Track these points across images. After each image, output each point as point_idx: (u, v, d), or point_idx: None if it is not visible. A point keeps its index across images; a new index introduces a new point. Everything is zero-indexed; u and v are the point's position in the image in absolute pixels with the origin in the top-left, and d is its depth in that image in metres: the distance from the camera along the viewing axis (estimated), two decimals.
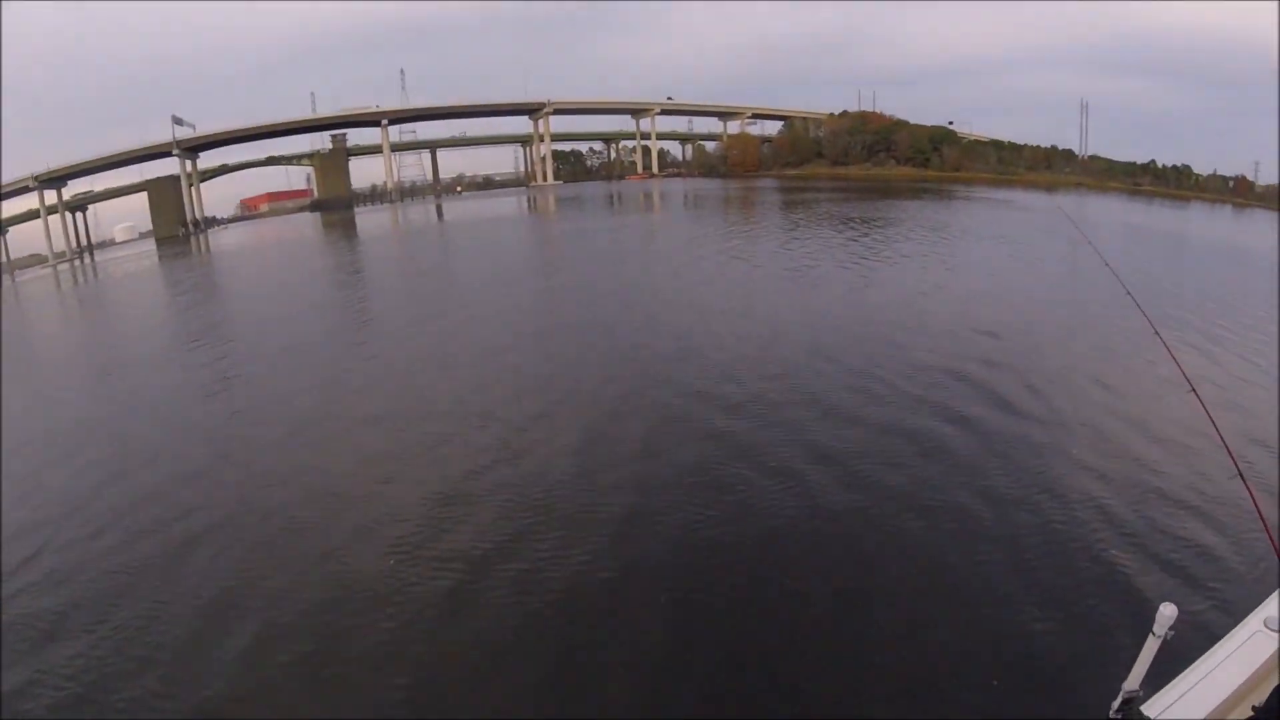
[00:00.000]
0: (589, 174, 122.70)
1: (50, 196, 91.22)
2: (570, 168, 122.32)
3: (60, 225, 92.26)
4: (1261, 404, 13.61)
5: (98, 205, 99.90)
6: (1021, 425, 12.55)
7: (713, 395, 14.07)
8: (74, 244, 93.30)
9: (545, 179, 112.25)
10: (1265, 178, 74.14)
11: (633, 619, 7.78)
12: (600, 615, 7.88)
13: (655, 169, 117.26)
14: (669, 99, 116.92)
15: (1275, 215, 56.56)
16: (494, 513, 10.13)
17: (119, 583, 9.11)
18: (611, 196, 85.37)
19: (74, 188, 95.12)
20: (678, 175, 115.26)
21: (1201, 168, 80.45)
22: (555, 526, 9.60)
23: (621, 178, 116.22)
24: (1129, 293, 7.67)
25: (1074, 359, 16.61)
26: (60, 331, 36.72)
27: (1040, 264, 29.72)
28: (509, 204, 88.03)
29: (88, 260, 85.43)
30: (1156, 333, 6.94)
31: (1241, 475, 4.53)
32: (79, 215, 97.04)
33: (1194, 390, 5.54)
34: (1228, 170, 78.45)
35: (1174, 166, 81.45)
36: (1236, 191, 74.07)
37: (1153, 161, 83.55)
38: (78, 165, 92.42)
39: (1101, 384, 14.81)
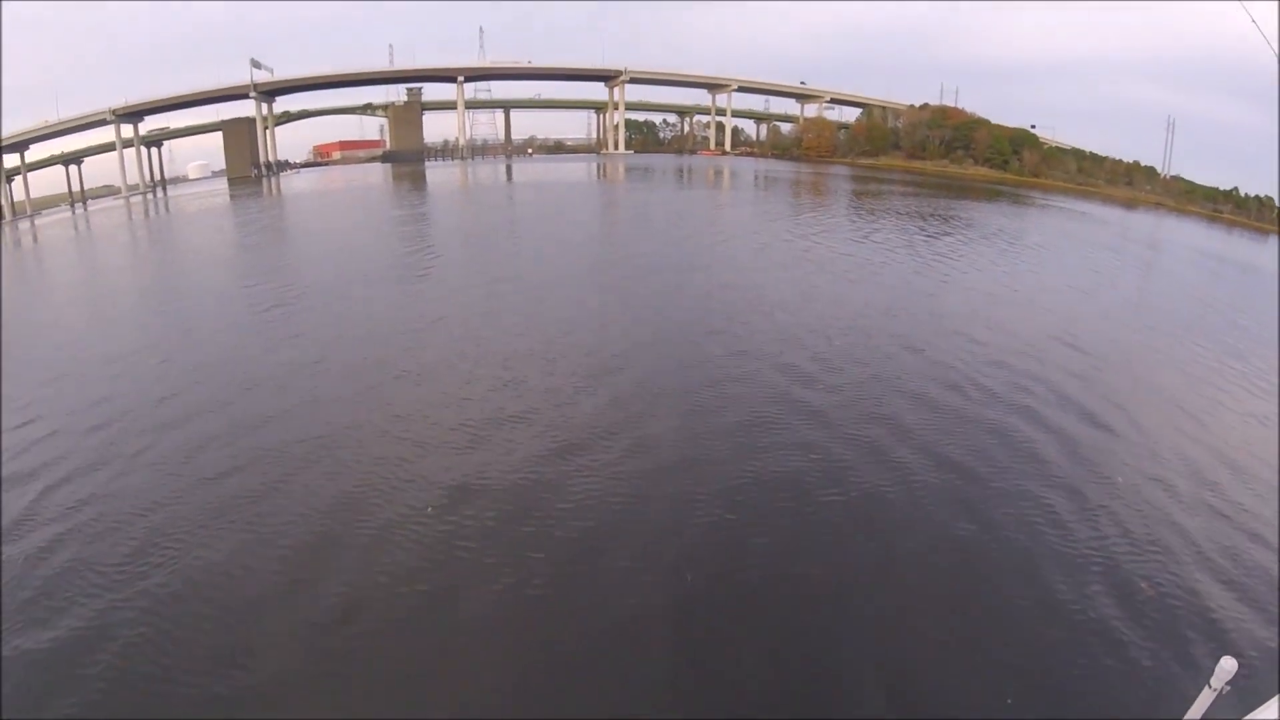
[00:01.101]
0: (660, 145, 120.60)
1: (127, 130, 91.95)
2: (642, 137, 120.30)
3: (135, 159, 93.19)
4: None
5: (173, 142, 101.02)
6: (1105, 440, 12.02)
7: (773, 384, 13.42)
8: (148, 178, 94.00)
9: (616, 147, 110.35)
10: None
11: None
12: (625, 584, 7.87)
13: (728, 146, 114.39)
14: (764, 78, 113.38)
15: None
16: (525, 471, 10.16)
17: (155, 516, 9.12)
18: (681, 169, 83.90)
19: (150, 124, 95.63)
20: (750, 154, 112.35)
21: None
22: (581, 493, 9.60)
23: (693, 152, 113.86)
24: None
25: (1173, 379, 16.08)
26: (124, 261, 36.34)
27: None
28: (579, 169, 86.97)
29: (160, 194, 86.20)
30: None
31: None
32: (154, 150, 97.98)
33: None
34: None
35: (1256, 197, 75.59)
36: None
37: (1235, 189, 78.03)
38: (156, 101, 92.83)
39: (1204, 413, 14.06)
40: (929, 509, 9.41)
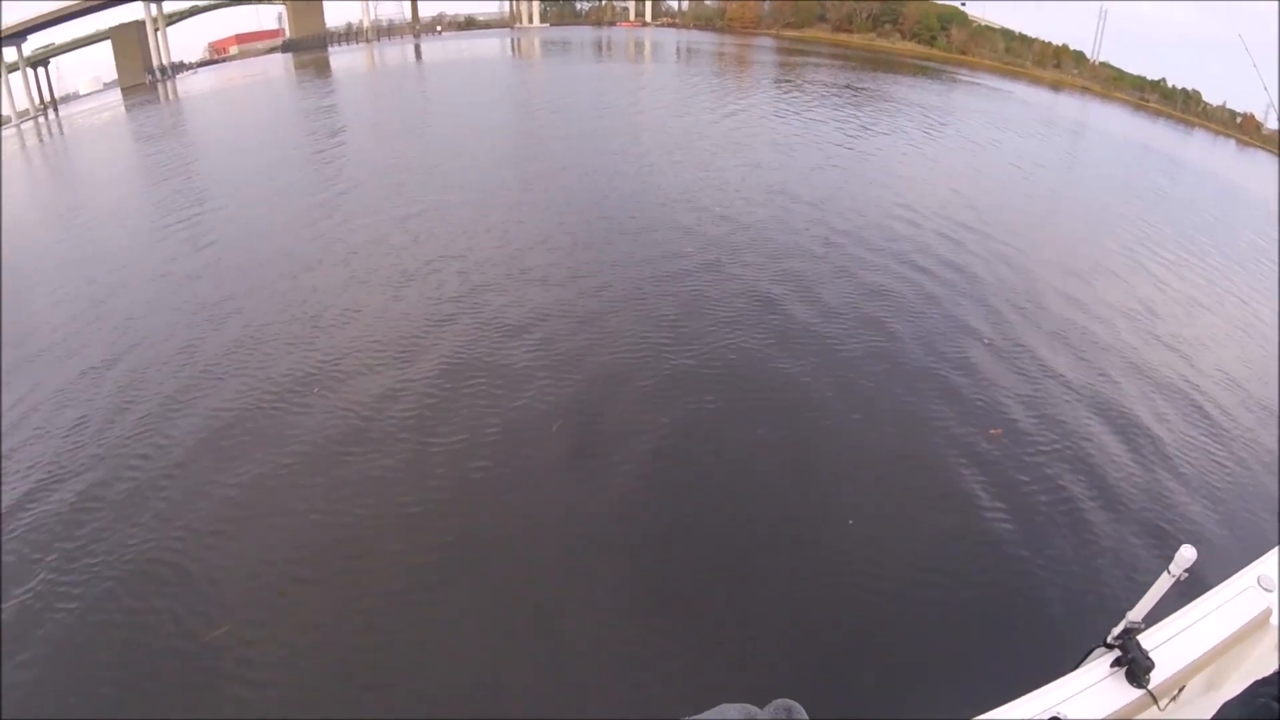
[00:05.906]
0: (577, 17, 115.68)
1: (10, 54, 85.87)
2: (558, 9, 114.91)
3: (22, 82, 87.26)
4: None
5: (61, 58, 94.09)
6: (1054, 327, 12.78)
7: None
8: (38, 101, 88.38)
9: (531, 20, 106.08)
10: (1274, 123, 70.39)
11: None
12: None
13: (648, 17, 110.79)
14: None
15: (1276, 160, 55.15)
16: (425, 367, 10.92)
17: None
18: (600, 43, 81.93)
19: (35, 42, 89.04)
20: (672, 25, 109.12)
21: (1212, 98, 76.74)
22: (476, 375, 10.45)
23: (612, 23, 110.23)
24: None
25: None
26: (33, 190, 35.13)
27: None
28: (492, 45, 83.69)
29: (53, 116, 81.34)
30: None
31: None
32: (41, 70, 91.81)
33: None
34: (1239, 106, 74.30)
35: (1184, 89, 77.73)
36: (1242, 128, 70.90)
37: (1163, 80, 79.75)
38: (37, 18, 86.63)
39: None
40: (877, 396, 9.77)
